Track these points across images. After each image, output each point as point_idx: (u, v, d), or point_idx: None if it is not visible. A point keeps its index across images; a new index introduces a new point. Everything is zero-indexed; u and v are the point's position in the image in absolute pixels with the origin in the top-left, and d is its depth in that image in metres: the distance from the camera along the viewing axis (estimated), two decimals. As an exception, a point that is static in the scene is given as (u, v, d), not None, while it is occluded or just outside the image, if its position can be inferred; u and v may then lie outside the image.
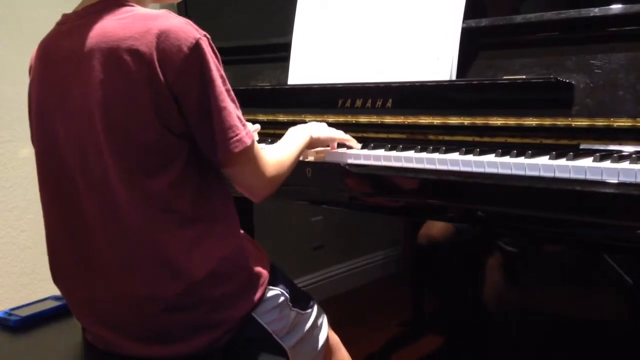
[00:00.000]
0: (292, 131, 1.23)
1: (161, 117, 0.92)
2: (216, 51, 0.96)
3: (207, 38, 0.95)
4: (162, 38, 0.91)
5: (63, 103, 0.98)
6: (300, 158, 1.22)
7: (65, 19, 1.03)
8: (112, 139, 0.93)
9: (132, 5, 0.98)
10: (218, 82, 0.94)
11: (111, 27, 0.94)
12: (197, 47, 0.92)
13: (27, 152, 1.83)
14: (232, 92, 0.98)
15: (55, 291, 1.12)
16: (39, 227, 1.85)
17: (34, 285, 1.88)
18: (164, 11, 0.96)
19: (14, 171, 1.82)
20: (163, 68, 0.90)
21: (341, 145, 1.32)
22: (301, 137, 1.20)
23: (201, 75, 0.93)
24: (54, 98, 0.99)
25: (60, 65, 0.98)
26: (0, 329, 1.20)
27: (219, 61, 0.97)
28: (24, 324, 1.21)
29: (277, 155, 1.08)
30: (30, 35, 1.79)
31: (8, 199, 1.82)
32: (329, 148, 1.30)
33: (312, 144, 1.24)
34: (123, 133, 0.93)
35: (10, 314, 1.23)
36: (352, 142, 1.30)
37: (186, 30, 0.92)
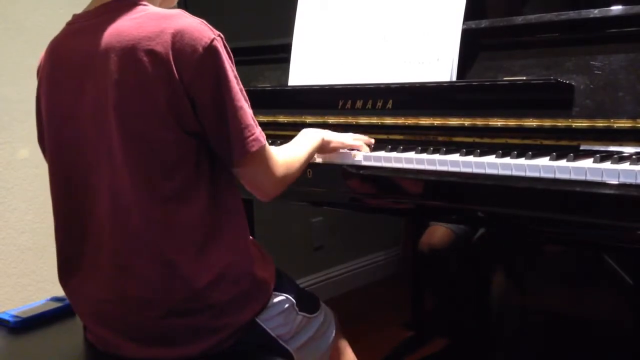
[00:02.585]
0: (304, 132, 1.22)
1: (177, 116, 0.92)
2: (229, 51, 0.96)
3: (221, 38, 0.95)
4: (178, 38, 0.90)
5: (75, 103, 0.98)
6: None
7: (76, 19, 1.02)
8: (127, 139, 0.93)
9: (144, 5, 0.98)
10: (233, 82, 0.95)
11: (125, 27, 0.93)
12: (212, 47, 0.92)
13: (26, 153, 1.83)
14: (244, 92, 0.98)
15: (56, 292, 1.12)
16: (40, 228, 1.86)
17: (35, 287, 1.88)
18: (178, 11, 0.96)
19: (14, 172, 1.82)
20: (179, 68, 0.90)
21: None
22: (313, 138, 1.20)
23: (216, 75, 0.93)
24: (66, 99, 0.99)
25: (72, 65, 0.98)
26: (1, 330, 1.20)
27: (232, 61, 0.97)
28: (25, 325, 1.21)
29: (287, 156, 1.08)
30: (29, 36, 1.79)
31: (8, 200, 1.82)
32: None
33: (324, 146, 1.23)
34: (138, 133, 0.93)
35: (11, 315, 1.23)
36: (364, 148, 1.27)
37: (201, 30, 0.92)
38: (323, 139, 1.22)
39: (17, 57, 1.78)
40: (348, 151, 1.28)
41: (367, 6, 1.43)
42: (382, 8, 1.40)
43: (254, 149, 0.96)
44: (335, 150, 1.27)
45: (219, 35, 0.94)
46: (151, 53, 0.90)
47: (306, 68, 1.51)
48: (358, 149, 1.27)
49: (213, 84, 0.93)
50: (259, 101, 1.58)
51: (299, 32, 1.53)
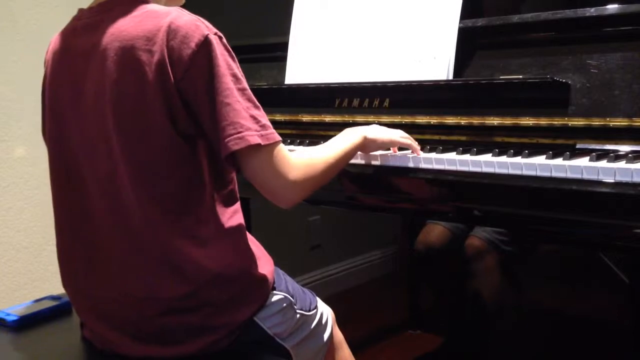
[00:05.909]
0: (344, 132, 1.16)
1: (172, 117, 0.92)
2: (230, 50, 0.94)
3: (219, 36, 0.93)
4: (172, 36, 0.90)
5: (76, 101, 0.97)
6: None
7: (81, 15, 1.02)
8: (124, 139, 0.93)
9: (146, 2, 0.98)
10: (226, 79, 0.92)
11: (124, 25, 0.93)
12: (205, 44, 0.91)
13: (22, 152, 1.83)
14: (248, 92, 0.94)
15: (53, 291, 1.12)
16: (36, 227, 1.86)
17: (31, 285, 1.88)
18: (175, 8, 0.95)
19: (10, 171, 1.82)
20: (172, 66, 0.90)
21: (401, 149, 1.23)
22: (350, 138, 1.13)
23: (209, 72, 0.91)
24: (67, 95, 0.99)
25: (74, 62, 0.98)
26: (-2, 329, 1.20)
27: (233, 60, 0.94)
28: (21, 323, 1.20)
29: (308, 157, 1.01)
30: (26, 35, 1.79)
31: (4, 198, 1.81)
32: (389, 152, 1.22)
33: (367, 146, 1.16)
34: (135, 133, 0.92)
35: (7, 314, 1.22)
36: (415, 146, 1.19)
37: (195, 27, 0.92)
38: (365, 137, 1.15)
39: (14, 55, 1.77)
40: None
41: (364, 5, 1.43)
42: (378, 6, 1.40)
43: (235, 147, 0.90)
44: (382, 148, 1.20)
45: (215, 33, 0.93)
46: (148, 53, 0.90)
47: (303, 66, 1.51)
48: (408, 147, 1.20)
49: (205, 81, 0.91)
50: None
51: (295, 31, 1.53)
